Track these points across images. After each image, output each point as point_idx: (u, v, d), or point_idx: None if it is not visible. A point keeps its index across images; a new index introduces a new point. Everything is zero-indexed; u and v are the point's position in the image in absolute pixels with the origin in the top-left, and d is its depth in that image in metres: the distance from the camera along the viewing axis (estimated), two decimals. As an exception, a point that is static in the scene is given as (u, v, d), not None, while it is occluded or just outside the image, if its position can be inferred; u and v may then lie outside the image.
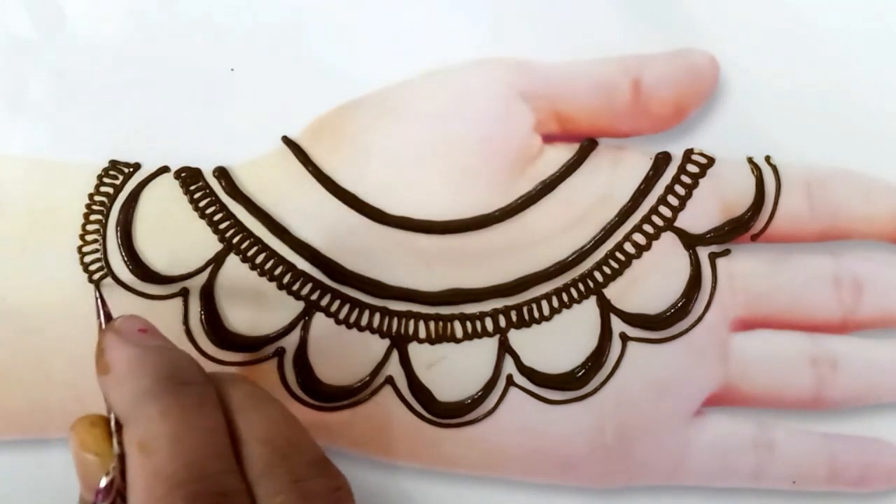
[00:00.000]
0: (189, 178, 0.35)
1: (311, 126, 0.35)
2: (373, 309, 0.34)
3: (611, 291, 0.35)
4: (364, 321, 0.34)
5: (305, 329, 0.34)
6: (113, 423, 0.26)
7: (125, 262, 0.34)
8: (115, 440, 0.26)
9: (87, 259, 0.34)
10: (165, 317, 0.34)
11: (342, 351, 0.34)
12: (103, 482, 0.26)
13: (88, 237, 0.34)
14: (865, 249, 0.36)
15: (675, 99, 0.35)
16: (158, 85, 0.36)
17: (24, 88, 0.36)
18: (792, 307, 0.35)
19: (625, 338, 0.34)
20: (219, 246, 0.35)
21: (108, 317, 0.29)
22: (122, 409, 0.26)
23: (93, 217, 0.35)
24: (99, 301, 0.29)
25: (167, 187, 0.35)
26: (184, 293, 0.34)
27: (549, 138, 0.36)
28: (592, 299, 0.35)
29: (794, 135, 0.36)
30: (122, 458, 0.26)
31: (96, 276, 0.34)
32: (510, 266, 0.35)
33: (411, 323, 0.34)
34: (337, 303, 0.34)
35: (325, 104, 0.35)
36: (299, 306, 0.34)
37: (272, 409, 0.27)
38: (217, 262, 0.34)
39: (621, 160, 0.36)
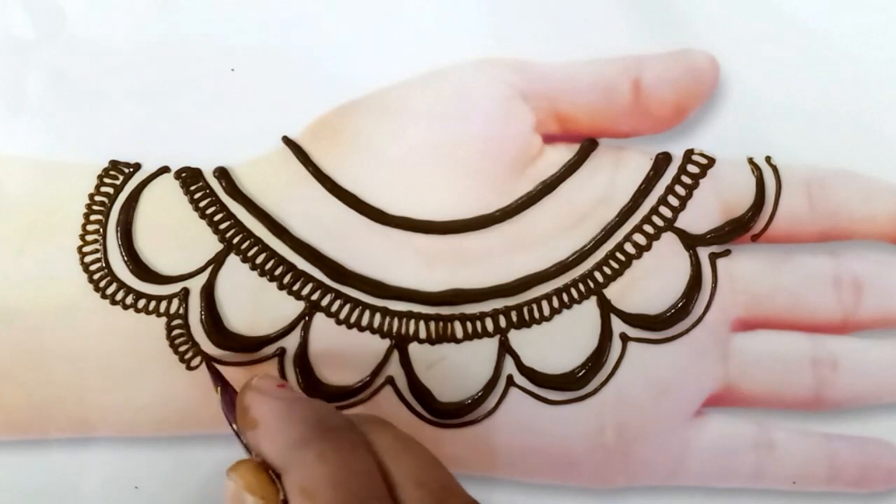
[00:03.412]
0: (189, 178, 0.35)
1: (312, 126, 0.35)
2: (373, 309, 0.34)
3: (611, 292, 0.35)
4: (364, 321, 0.34)
5: (306, 329, 0.34)
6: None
7: (125, 262, 0.34)
8: (280, 486, 0.27)
9: (88, 259, 0.34)
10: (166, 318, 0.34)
11: (343, 351, 0.34)
12: None
13: (89, 237, 0.34)
14: (865, 250, 0.36)
15: (676, 99, 0.35)
16: (159, 85, 0.36)
17: (24, 88, 0.36)
18: (792, 307, 0.35)
19: (625, 338, 0.34)
20: (219, 246, 0.35)
21: (220, 379, 0.31)
22: (277, 459, 0.27)
23: (93, 217, 0.35)
24: (212, 372, 0.32)
25: (167, 187, 0.35)
26: (184, 293, 0.34)
27: (549, 138, 0.36)
28: (593, 299, 0.35)
29: (794, 135, 0.36)
30: (285, 503, 0.26)
31: (96, 276, 0.34)
32: (510, 266, 0.35)
33: (412, 323, 0.34)
34: (337, 303, 0.34)
35: (326, 104, 0.35)
36: (300, 306, 0.34)
37: (421, 452, 0.28)
38: (217, 262, 0.34)
39: (622, 160, 0.36)
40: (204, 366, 0.34)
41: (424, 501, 0.26)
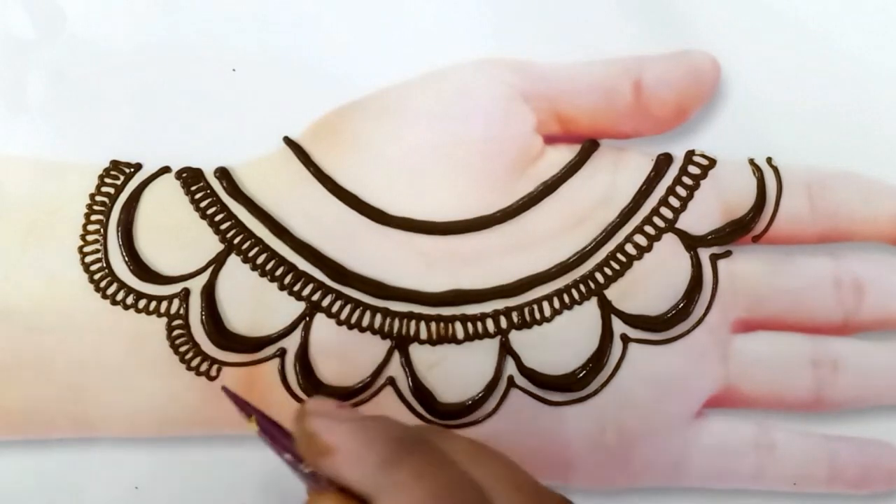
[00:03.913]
0: (190, 178, 0.35)
1: (313, 126, 0.35)
2: (374, 310, 0.34)
3: (612, 293, 0.35)
4: (365, 322, 0.34)
5: (307, 330, 0.34)
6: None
7: (126, 262, 0.34)
8: None
9: (88, 259, 0.34)
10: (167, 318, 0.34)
11: (343, 352, 0.34)
12: None
13: (89, 237, 0.34)
14: (866, 251, 0.36)
15: (677, 100, 0.35)
16: (160, 85, 0.36)
17: (24, 88, 0.36)
18: (793, 309, 0.35)
19: (626, 339, 0.34)
20: (220, 246, 0.35)
21: (249, 407, 0.28)
22: (367, 484, 0.25)
23: (94, 217, 0.35)
24: (237, 403, 0.29)
25: (168, 187, 0.35)
26: (185, 293, 0.34)
27: (550, 139, 0.36)
28: (593, 300, 0.35)
29: (795, 136, 0.36)
30: None
31: (97, 276, 0.34)
32: (511, 267, 0.35)
33: (412, 324, 0.34)
34: (338, 303, 0.34)
35: (327, 105, 0.35)
36: (300, 307, 0.34)
37: (504, 458, 0.27)
38: (218, 262, 0.34)
39: (622, 161, 0.36)
40: (203, 367, 0.34)
41: (524, 503, 0.26)
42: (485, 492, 0.25)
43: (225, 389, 0.29)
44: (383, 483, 0.25)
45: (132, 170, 0.35)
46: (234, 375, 0.34)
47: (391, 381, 0.34)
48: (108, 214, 0.35)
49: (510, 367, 0.34)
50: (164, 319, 0.34)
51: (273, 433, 0.28)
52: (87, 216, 0.35)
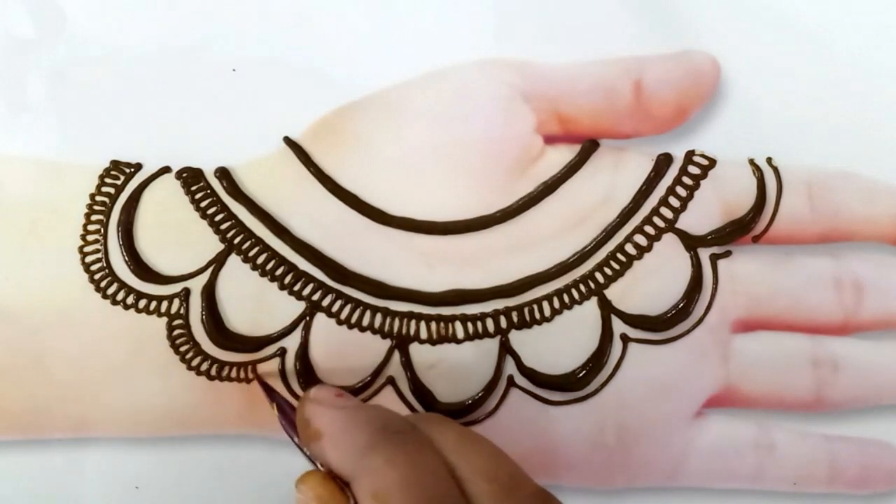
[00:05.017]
0: (190, 178, 0.35)
1: (313, 127, 0.35)
2: (374, 309, 0.34)
3: (612, 292, 0.35)
4: (365, 322, 0.34)
5: (307, 329, 0.34)
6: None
7: (126, 262, 0.34)
8: (350, 494, 0.27)
9: (88, 259, 0.34)
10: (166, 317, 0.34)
11: (344, 351, 0.34)
12: None
13: (89, 237, 0.34)
14: (866, 251, 0.36)
15: (677, 100, 0.35)
16: (160, 85, 0.36)
17: (24, 88, 0.36)
18: (793, 309, 0.35)
19: (626, 339, 0.35)
20: (220, 246, 0.35)
21: (274, 394, 0.32)
22: (346, 467, 0.27)
23: (94, 217, 0.35)
24: (265, 388, 0.32)
25: (169, 187, 0.35)
26: (185, 293, 0.34)
27: (550, 139, 0.36)
28: (593, 300, 0.35)
29: (795, 137, 0.36)
30: None
31: (97, 276, 0.34)
32: (511, 267, 0.35)
33: (413, 323, 0.34)
34: (338, 303, 0.34)
35: (327, 105, 0.35)
36: (301, 307, 0.34)
37: (487, 446, 0.28)
38: (218, 262, 0.34)
39: (623, 161, 0.36)
40: (203, 366, 0.34)
41: (496, 495, 0.26)
42: (461, 481, 0.26)
43: (256, 374, 0.33)
44: (359, 468, 0.26)
45: (132, 170, 0.35)
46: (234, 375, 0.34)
47: (391, 381, 0.34)
48: (108, 214, 0.35)
49: (510, 367, 0.34)
50: (165, 319, 0.34)
51: (290, 418, 0.30)
52: (88, 216, 0.35)
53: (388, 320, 0.34)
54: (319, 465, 0.28)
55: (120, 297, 0.34)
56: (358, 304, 0.34)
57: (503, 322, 0.35)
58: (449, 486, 0.26)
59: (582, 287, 0.35)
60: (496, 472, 0.27)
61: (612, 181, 0.35)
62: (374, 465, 0.26)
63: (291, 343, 0.34)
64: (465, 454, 0.27)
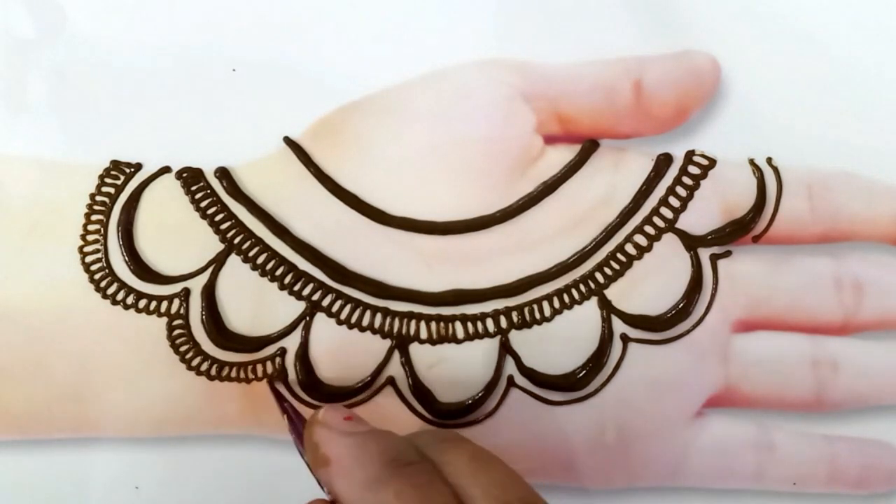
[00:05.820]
0: (190, 178, 0.35)
1: (313, 126, 0.35)
2: (374, 309, 0.34)
3: (612, 292, 0.35)
4: (365, 322, 0.34)
5: (307, 329, 0.34)
6: None
7: (126, 262, 0.34)
8: None
9: (88, 259, 0.34)
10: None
11: (344, 351, 0.34)
12: None
13: (89, 237, 0.34)
14: (866, 251, 0.36)
15: (677, 100, 0.35)
16: (160, 85, 0.36)
17: (24, 88, 0.36)
18: (793, 309, 0.35)
19: (626, 339, 0.35)
20: (220, 246, 0.35)
21: (286, 406, 0.31)
22: (353, 498, 0.26)
23: (94, 217, 0.35)
24: (278, 399, 0.32)
25: (168, 187, 0.35)
26: (185, 293, 0.34)
27: (550, 139, 0.36)
28: (593, 300, 0.35)
29: (795, 137, 0.36)
30: None
31: (97, 276, 0.34)
32: (511, 267, 0.35)
33: (413, 323, 0.34)
34: (338, 303, 0.34)
35: (327, 105, 0.35)
36: (301, 307, 0.34)
37: (500, 469, 0.28)
38: (218, 262, 0.34)
39: (622, 161, 0.36)
40: (203, 366, 0.34)
41: None
42: None
43: (270, 385, 0.33)
44: (367, 499, 0.26)
45: (132, 170, 0.35)
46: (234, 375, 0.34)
47: (391, 381, 0.34)
48: (108, 214, 0.35)
49: (510, 367, 0.34)
50: (165, 319, 0.34)
51: (300, 430, 0.30)
52: (88, 216, 0.35)
53: (388, 320, 0.34)
54: (327, 492, 0.27)
55: (120, 297, 0.34)
56: (358, 304, 0.34)
57: (503, 322, 0.35)
58: None
59: (582, 287, 0.35)
60: (508, 496, 0.27)
61: (612, 181, 0.35)
62: (383, 499, 0.26)
63: (291, 343, 0.34)
64: (477, 477, 0.27)
